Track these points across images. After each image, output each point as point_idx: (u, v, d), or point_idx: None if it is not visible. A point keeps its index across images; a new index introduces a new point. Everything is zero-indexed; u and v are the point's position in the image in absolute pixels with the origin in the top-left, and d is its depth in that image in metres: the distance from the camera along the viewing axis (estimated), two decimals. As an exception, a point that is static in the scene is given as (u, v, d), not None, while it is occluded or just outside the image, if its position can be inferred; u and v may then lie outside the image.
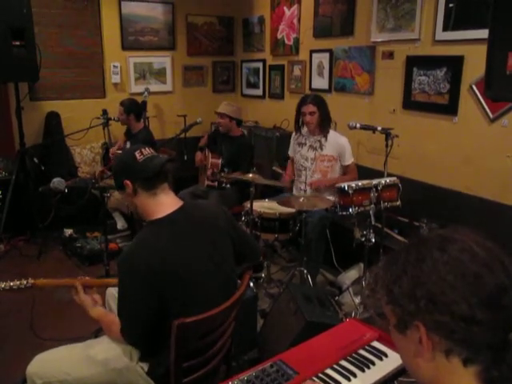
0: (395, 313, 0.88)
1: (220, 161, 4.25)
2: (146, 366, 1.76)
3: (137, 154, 1.73)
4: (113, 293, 2.09)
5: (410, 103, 3.76)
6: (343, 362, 1.51)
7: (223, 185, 4.07)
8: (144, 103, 5.20)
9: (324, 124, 3.61)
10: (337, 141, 3.63)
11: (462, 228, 0.89)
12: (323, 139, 3.64)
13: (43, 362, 1.80)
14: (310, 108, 3.55)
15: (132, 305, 1.63)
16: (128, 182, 1.73)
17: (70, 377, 1.74)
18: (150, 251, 1.61)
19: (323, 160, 3.64)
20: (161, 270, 1.59)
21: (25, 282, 1.89)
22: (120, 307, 1.69)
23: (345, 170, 3.70)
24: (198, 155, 4.48)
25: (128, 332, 1.68)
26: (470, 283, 0.80)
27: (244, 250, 1.95)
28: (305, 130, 3.74)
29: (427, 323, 0.82)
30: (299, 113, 3.65)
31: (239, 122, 4.37)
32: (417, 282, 0.83)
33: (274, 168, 4.37)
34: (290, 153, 3.94)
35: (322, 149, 3.64)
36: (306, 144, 3.73)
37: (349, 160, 3.65)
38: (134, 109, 4.59)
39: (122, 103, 4.56)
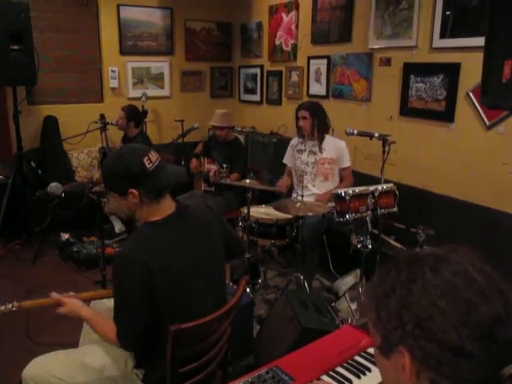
0: (380, 334, 0.82)
1: (216, 166, 4.28)
2: (141, 374, 1.75)
3: (146, 162, 1.61)
4: (103, 301, 2.07)
5: (407, 110, 3.78)
6: (339, 369, 1.51)
7: (223, 180, 4.02)
8: (145, 112, 5.23)
9: (320, 130, 3.70)
10: (335, 144, 3.74)
11: (462, 248, 0.82)
12: (321, 143, 3.73)
13: (39, 366, 1.78)
14: (302, 113, 3.69)
15: (128, 306, 1.61)
16: (134, 192, 1.63)
17: (64, 382, 1.73)
18: (146, 251, 1.61)
19: (324, 163, 3.72)
20: (156, 269, 1.58)
21: (9, 306, 1.82)
22: (117, 310, 1.67)
23: (342, 174, 3.79)
24: (193, 162, 4.53)
25: (125, 336, 1.66)
26: (461, 311, 0.73)
27: (230, 245, 1.96)
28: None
29: (412, 350, 0.76)
30: (297, 117, 3.76)
31: (232, 127, 4.49)
32: (404, 303, 0.77)
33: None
34: (287, 161, 3.96)
35: (321, 152, 3.72)
36: (305, 150, 3.79)
37: (347, 163, 3.76)
38: (136, 117, 4.64)
39: (124, 109, 4.61)
